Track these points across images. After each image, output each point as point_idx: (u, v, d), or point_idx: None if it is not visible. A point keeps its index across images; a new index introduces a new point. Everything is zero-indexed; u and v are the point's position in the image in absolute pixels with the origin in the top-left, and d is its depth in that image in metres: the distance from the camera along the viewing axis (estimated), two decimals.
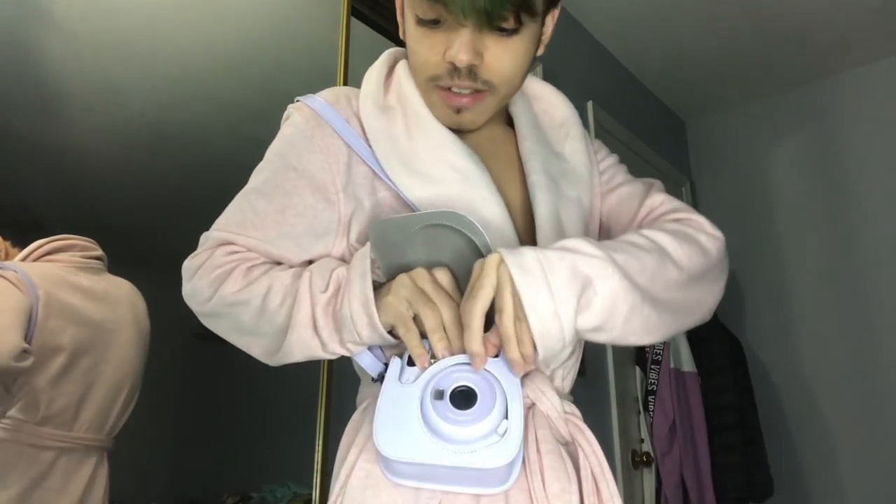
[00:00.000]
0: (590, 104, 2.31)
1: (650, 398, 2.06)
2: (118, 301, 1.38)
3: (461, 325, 0.60)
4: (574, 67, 2.31)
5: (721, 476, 2.09)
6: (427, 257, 0.67)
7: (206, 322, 0.74)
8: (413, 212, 0.72)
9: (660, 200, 0.81)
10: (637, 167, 2.57)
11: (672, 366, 2.11)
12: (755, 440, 2.25)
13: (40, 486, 1.17)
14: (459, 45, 0.67)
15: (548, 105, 0.88)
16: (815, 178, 2.67)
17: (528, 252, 0.59)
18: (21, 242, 1.34)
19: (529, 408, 0.66)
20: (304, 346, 0.66)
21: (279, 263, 0.74)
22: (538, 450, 0.62)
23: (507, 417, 0.58)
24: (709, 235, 0.74)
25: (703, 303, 0.72)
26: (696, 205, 2.97)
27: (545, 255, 0.59)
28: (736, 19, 2.38)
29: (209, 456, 1.58)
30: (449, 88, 0.71)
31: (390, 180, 0.72)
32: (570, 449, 0.65)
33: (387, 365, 0.65)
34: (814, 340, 2.54)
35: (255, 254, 0.73)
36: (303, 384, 1.50)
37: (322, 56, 1.57)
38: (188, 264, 0.73)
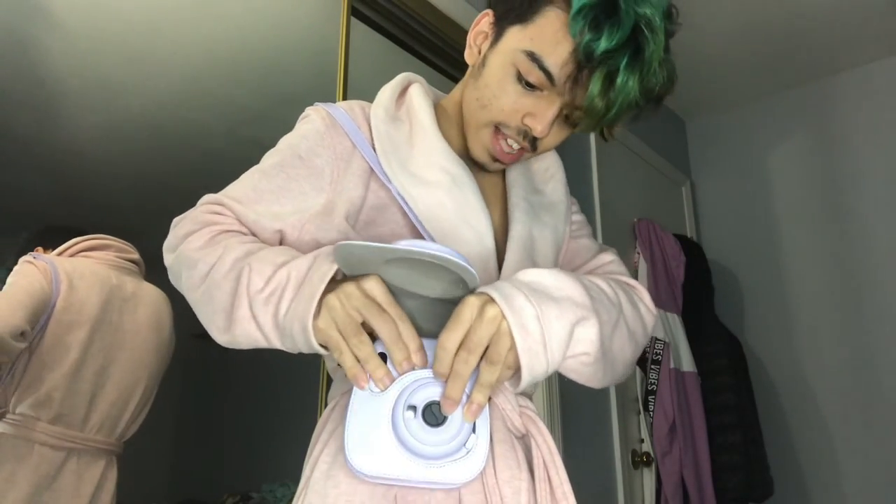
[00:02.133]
0: None
1: (650, 398, 2.06)
2: (142, 305, 1.39)
3: (417, 338, 0.62)
4: None
5: (721, 476, 2.09)
6: (398, 283, 0.65)
7: (171, 276, 0.75)
8: (402, 208, 0.76)
9: (609, 259, 0.90)
10: (637, 167, 2.57)
11: (672, 366, 2.11)
12: (755, 440, 2.25)
13: (50, 486, 1.17)
14: (547, 123, 0.74)
15: None
16: (815, 178, 2.67)
17: (526, 307, 0.61)
18: (53, 246, 1.36)
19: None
20: (247, 336, 0.67)
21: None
22: (491, 439, 0.67)
23: (474, 432, 0.62)
24: (647, 308, 0.82)
25: (627, 366, 0.77)
26: (696, 205, 2.98)
27: (543, 312, 0.61)
28: (736, 19, 2.38)
29: (209, 456, 1.59)
30: (505, 136, 0.77)
31: (387, 177, 0.76)
32: (525, 441, 0.70)
33: None
34: (814, 340, 2.54)
35: (235, 221, 0.75)
36: (303, 384, 1.50)
37: (322, 56, 1.57)
38: (176, 218, 0.76)
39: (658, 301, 2.21)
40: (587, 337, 0.65)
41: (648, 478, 2.05)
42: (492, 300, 0.61)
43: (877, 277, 2.44)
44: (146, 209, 1.56)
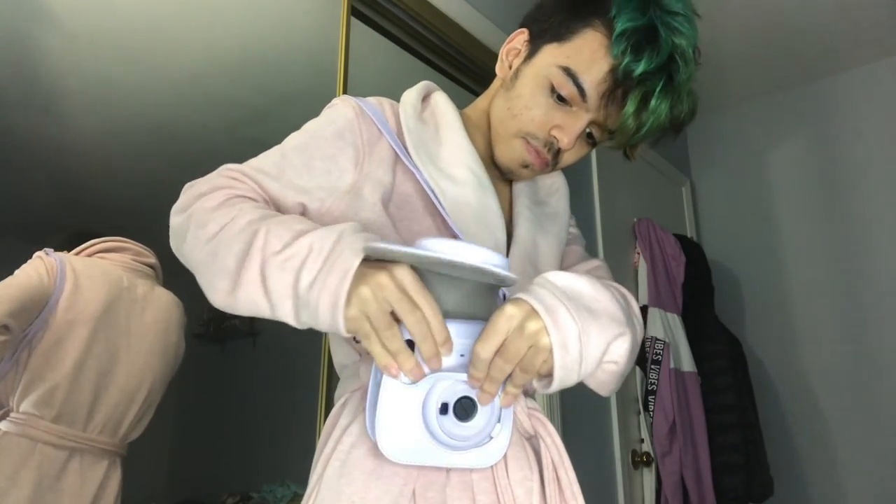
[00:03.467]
0: None
1: (650, 398, 2.05)
2: (151, 309, 1.38)
3: (445, 329, 0.61)
4: None
5: (721, 476, 2.09)
6: (427, 266, 0.65)
7: (172, 239, 0.73)
8: (426, 201, 0.78)
9: (597, 264, 0.93)
10: (637, 167, 2.57)
11: (672, 366, 2.11)
12: (755, 440, 2.25)
13: (53, 486, 1.17)
14: (574, 136, 0.78)
15: None
16: (815, 178, 2.67)
17: (570, 325, 0.62)
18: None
19: None
20: (250, 302, 0.64)
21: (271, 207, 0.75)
22: None
23: (499, 421, 0.65)
24: (640, 320, 0.83)
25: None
26: (696, 205, 2.98)
27: (584, 330, 0.62)
28: (736, 19, 2.38)
29: (209, 456, 1.58)
30: (532, 146, 0.81)
31: (416, 167, 0.78)
32: (533, 442, 0.72)
33: None
34: (814, 340, 2.54)
35: (253, 189, 0.74)
36: (303, 384, 1.50)
37: (322, 56, 1.57)
38: (190, 182, 0.75)
39: (658, 301, 2.21)
40: (618, 352, 0.67)
41: (648, 478, 2.05)
42: (534, 312, 0.61)
43: (877, 277, 2.45)
44: (146, 209, 1.56)
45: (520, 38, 0.85)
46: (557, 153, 0.80)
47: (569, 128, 0.77)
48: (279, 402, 1.64)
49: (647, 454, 2.06)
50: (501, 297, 0.73)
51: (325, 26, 1.57)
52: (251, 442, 1.64)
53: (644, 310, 2.20)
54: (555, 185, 0.97)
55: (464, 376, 0.63)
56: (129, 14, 1.45)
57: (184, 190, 0.75)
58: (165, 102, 1.55)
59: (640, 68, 0.71)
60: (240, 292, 0.64)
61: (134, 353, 1.34)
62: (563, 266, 0.93)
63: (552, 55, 0.78)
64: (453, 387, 0.63)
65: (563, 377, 0.62)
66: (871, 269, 2.46)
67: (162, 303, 1.42)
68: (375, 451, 0.66)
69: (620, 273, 2.24)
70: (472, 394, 0.63)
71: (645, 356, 2.12)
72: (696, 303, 2.39)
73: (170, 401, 1.42)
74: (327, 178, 0.75)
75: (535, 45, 0.81)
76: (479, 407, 0.63)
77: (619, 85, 0.74)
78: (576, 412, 1.86)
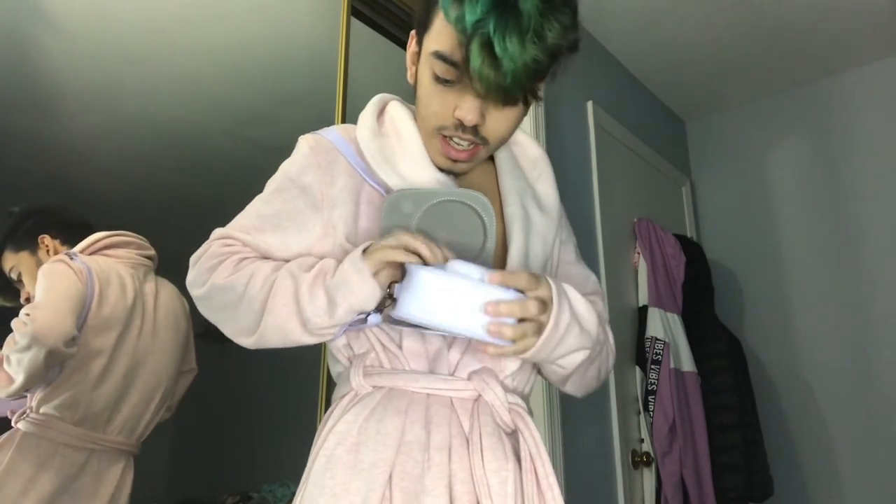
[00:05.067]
0: (589, 104, 2.31)
1: (650, 398, 2.06)
2: (162, 306, 1.38)
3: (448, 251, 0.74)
4: (574, 68, 2.31)
5: (721, 476, 2.09)
6: (429, 230, 0.77)
7: (199, 305, 0.83)
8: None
9: (596, 300, 0.98)
10: (637, 167, 2.57)
11: (672, 366, 2.11)
12: (755, 440, 2.25)
13: (70, 487, 1.17)
14: (469, 109, 0.77)
15: (521, 148, 0.99)
16: (815, 178, 2.67)
17: (566, 315, 0.75)
18: (69, 241, 1.35)
19: (475, 400, 0.77)
20: (278, 328, 0.75)
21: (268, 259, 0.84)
22: (480, 433, 0.73)
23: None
24: (613, 353, 0.94)
25: (583, 387, 0.90)
26: (696, 205, 2.98)
27: (571, 326, 0.75)
28: (736, 19, 2.38)
29: (209, 456, 1.59)
30: (451, 138, 0.81)
31: (378, 184, 0.84)
32: (514, 437, 0.76)
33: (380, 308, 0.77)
34: (814, 340, 2.54)
35: (249, 249, 0.83)
36: (303, 384, 1.51)
37: (322, 56, 1.57)
38: (194, 256, 0.84)
39: (658, 301, 2.21)
40: (572, 360, 0.78)
41: (648, 478, 2.05)
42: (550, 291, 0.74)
43: (876, 277, 2.45)
44: (146, 209, 1.56)
45: (412, 42, 0.87)
46: (476, 131, 0.79)
47: (464, 104, 0.77)
48: (279, 402, 1.64)
49: (647, 454, 2.06)
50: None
51: (325, 26, 1.57)
52: (251, 442, 1.64)
53: (644, 310, 2.20)
54: (537, 167, 0.98)
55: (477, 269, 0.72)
56: (130, 15, 1.45)
57: (191, 262, 0.84)
58: (165, 103, 1.55)
59: (468, 20, 0.69)
60: (268, 321, 0.75)
61: (152, 353, 1.34)
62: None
63: (426, 47, 0.80)
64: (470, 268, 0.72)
65: (543, 345, 0.72)
66: (871, 269, 2.46)
67: (169, 298, 1.42)
68: (356, 447, 0.72)
69: (620, 273, 2.24)
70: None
71: (645, 356, 2.12)
72: (696, 303, 2.39)
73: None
74: (299, 237, 0.83)
75: (419, 43, 0.83)
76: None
77: (466, 45, 0.71)
78: (576, 412, 1.86)
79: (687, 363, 2.19)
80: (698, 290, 2.43)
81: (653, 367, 2.09)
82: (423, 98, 0.81)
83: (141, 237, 1.42)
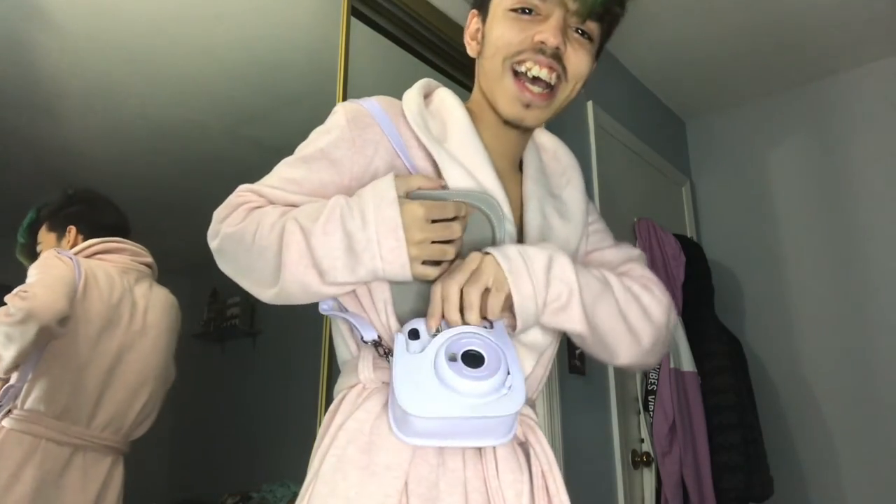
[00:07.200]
0: (590, 104, 2.31)
1: (650, 398, 2.06)
2: (152, 308, 1.40)
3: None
4: None
5: (721, 476, 2.09)
6: None
7: (218, 260, 0.79)
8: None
9: (639, 271, 0.92)
10: (637, 167, 2.57)
11: (672, 365, 2.11)
12: (755, 440, 2.24)
13: (56, 483, 1.17)
14: (552, 28, 0.77)
15: (552, 155, 0.98)
16: (815, 178, 2.67)
17: (510, 248, 0.72)
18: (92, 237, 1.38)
19: None
20: (297, 282, 0.70)
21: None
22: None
23: (509, 373, 0.67)
24: (653, 296, 0.85)
25: (627, 342, 0.82)
26: (696, 205, 2.98)
27: (525, 250, 0.72)
28: (736, 19, 2.38)
29: (209, 456, 1.59)
30: (525, 74, 0.80)
31: (413, 166, 0.80)
32: (524, 448, 0.74)
33: (379, 338, 0.75)
34: (814, 340, 2.54)
35: (264, 199, 0.78)
36: (302, 384, 1.51)
37: (322, 56, 1.57)
38: (218, 208, 0.81)
39: None
40: (564, 275, 0.72)
41: (648, 478, 2.05)
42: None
43: (876, 277, 2.45)
44: (146, 209, 1.56)
45: (473, 19, 0.89)
46: (558, 57, 0.80)
47: (547, 27, 0.78)
48: (279, 401, 1.64)
49: (647, 454, 2.06)
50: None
51: (325, 26, 1.57)
52: (251, 442, 1.64)
53: None
54: (566, 174, 0.96)
55: (467, 328, 0.68)
56: (130, 15, 1.45)
57: (213, 218, 0.81)
58: (165, 103, 1.55)
59: None
60: (286, 276, 0.69)
61: (137, 352, 1.35)
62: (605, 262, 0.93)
63: (500, 4, 0.82)
64: (459, 341, 0.68)
65: (516, 282, 0.69)
66: (871, 269, 2.46)
67: (162, 302, 1.43)
68: (368, 447, 0.69)
69: None
70: (479, 347, 0.67)
71: None
72: (696, 303, 2.39)
73: (170, 401, 1.42)
74: (322, 192, 0.79)
75: (484, 12, 0.86)
76: (486, 358, 0.66)
77: None
78: (576, 412, 1.86)
79: (687, 363, 2.19)
80: (698, 290, 2.42)
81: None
82: (496, 32, 0.82)
83: (137, 245, 1.42)
